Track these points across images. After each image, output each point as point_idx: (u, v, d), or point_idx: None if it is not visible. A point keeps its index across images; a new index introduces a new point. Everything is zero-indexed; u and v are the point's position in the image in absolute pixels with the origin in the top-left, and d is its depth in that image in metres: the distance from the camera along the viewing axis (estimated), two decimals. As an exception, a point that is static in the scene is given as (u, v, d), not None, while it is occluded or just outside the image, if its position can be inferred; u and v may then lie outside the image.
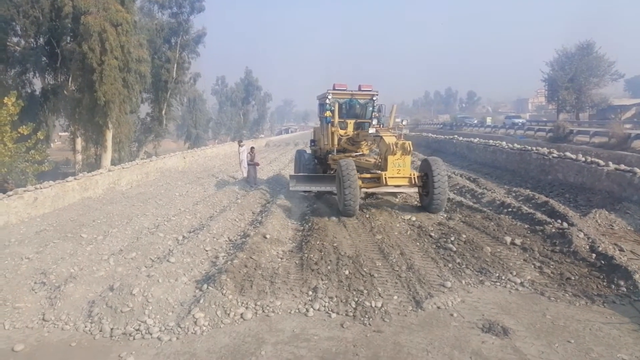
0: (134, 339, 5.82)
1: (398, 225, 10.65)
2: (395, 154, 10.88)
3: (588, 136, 29.33)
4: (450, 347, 5.29)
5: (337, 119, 13.80)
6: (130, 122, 31.30)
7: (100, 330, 6.03)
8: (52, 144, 40.87)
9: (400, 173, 10.98)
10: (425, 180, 11.56)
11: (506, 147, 20.98)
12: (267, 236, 9.60)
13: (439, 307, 6.32)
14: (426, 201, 11.72)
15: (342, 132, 14.13)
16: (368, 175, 11.64)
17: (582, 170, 14.16)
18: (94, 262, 8.56)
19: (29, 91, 27.67)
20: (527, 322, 5.83)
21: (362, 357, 5.20)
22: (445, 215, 11.33)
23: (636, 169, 11.98)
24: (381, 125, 13.85)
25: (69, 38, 27.13)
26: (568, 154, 16.00)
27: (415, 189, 11.83)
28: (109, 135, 26.94)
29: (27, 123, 20.50)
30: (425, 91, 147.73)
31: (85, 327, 6.17)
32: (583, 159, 14.59)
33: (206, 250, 9.10)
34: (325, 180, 14.02)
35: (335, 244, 9.05)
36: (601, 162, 13.55)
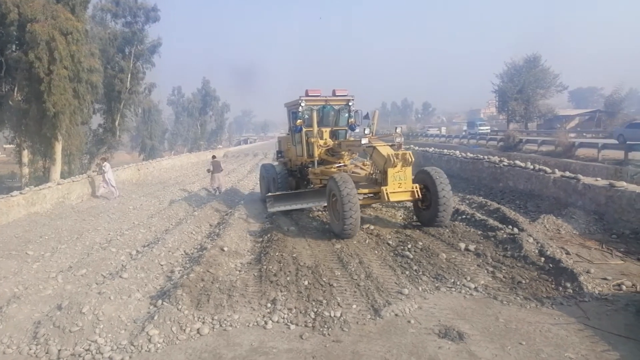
0: (83, 359, 5.56)
1: (357, 234, 10.71)
2: (395, 166, 9.93)
3: (536, 145, 30.76)
4: (408, 353, 5.35)
5: (316, 128, 12.67)
6: (81, 133, 30.11)
7: (47, 352, 5.71)
8: (-5, 157, 38.81)
9: (401, 187, 10.06)
10: (425, 193, 10.60)
11: (460, 156, 21.57)
12: (225, 249, 9.43)
13: (396, 315, 6.37)
14: (427, 215, 10.76)
15: (321, 142, 12.97)
16: (366, 191, 10.52)
17: (531, 177, 14.73)
18: (40, 281, 8.16)
19: (-30, 102, 26.20)
20: (481, 326, 5.97)
21: (321, 368, 5.17)
22: (402, 224, 11.51)
23: (580, 176, 12.58)
24: (372, 134, 12.26)
25: (14, 46, 25.93)
26: (518, 162, 16.63)
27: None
28: (59, 147, 25.85)
29: (-33, 135, 19.44)
30: (382, 102, 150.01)
31: (30, 349, 5.83)
32: (532, 167, 15.15)
33: (161, 265, 8.84)
34: (307, 196, 12.70)
35: (294, 255, 9.01)
36: (548, 170, 14.12)
